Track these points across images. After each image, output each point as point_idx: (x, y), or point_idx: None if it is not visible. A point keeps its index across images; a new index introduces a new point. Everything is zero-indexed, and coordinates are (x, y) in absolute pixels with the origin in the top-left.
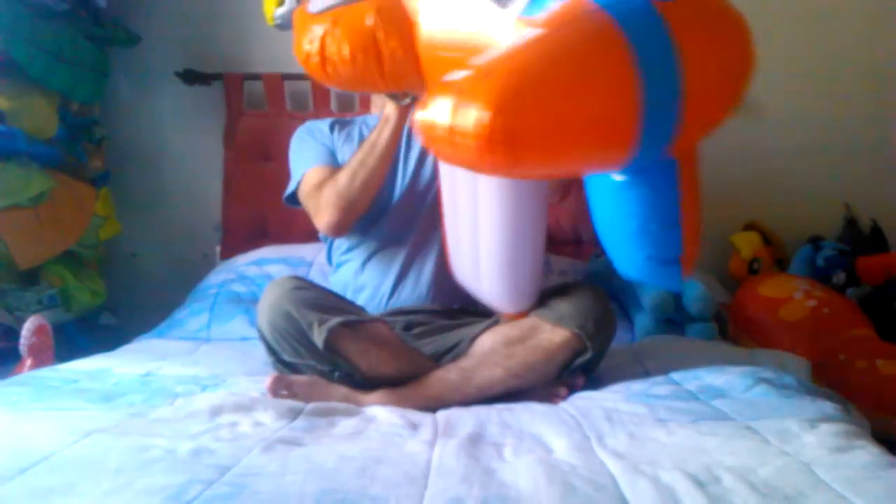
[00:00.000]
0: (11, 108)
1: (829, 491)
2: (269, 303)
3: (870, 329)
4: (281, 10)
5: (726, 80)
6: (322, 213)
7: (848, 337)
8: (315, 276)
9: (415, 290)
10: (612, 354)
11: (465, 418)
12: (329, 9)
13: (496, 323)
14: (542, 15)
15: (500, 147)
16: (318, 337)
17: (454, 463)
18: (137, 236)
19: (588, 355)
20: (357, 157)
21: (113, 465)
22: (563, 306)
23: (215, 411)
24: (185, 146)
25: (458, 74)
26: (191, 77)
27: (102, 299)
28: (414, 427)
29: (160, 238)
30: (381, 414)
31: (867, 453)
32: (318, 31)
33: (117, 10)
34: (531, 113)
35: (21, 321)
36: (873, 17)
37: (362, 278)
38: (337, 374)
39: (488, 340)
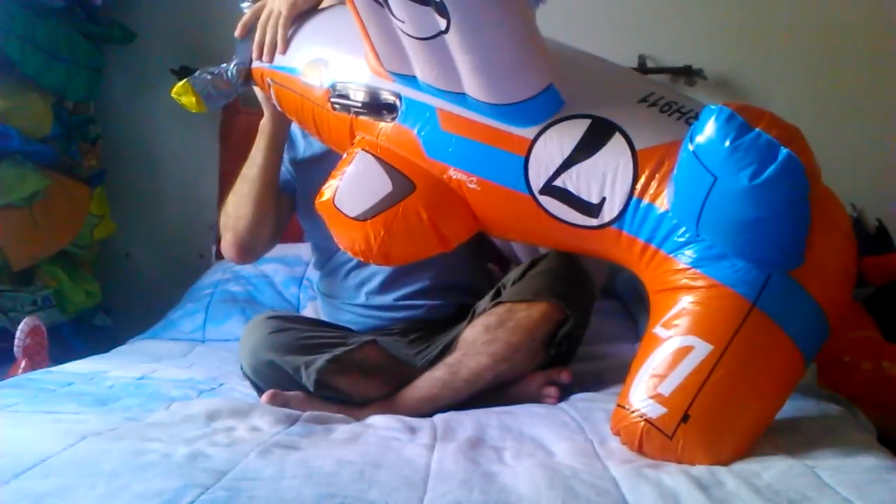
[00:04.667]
0: (6, 106)
1: (834, 494)
2: (249, 348)
3: (875, 330)
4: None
5: (848, 279)
6: (222, 240)
7: (853, 338)
8: (311, 275)
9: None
10: (614, 355)
11: (464, 422)
12: (370, 214)
13: (474, 316)
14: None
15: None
16: (308, 380)
17: (453, 467)
18: (132, 236)
19: (570, 323)
20: (241, 173)
21: (108, 469)
22: (534, 282)
23: (212, 416)
24: (181, 145)
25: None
26: (187, 74)
27: (97, 300)
28: (412, 431)
29: (155, 238)
30: (379, 419)
31: (872, 456)
32: (371, 236)
33: (113, 7)
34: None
35: (15, 322)
36: (877, 15)
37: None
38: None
39: (470, 333)
